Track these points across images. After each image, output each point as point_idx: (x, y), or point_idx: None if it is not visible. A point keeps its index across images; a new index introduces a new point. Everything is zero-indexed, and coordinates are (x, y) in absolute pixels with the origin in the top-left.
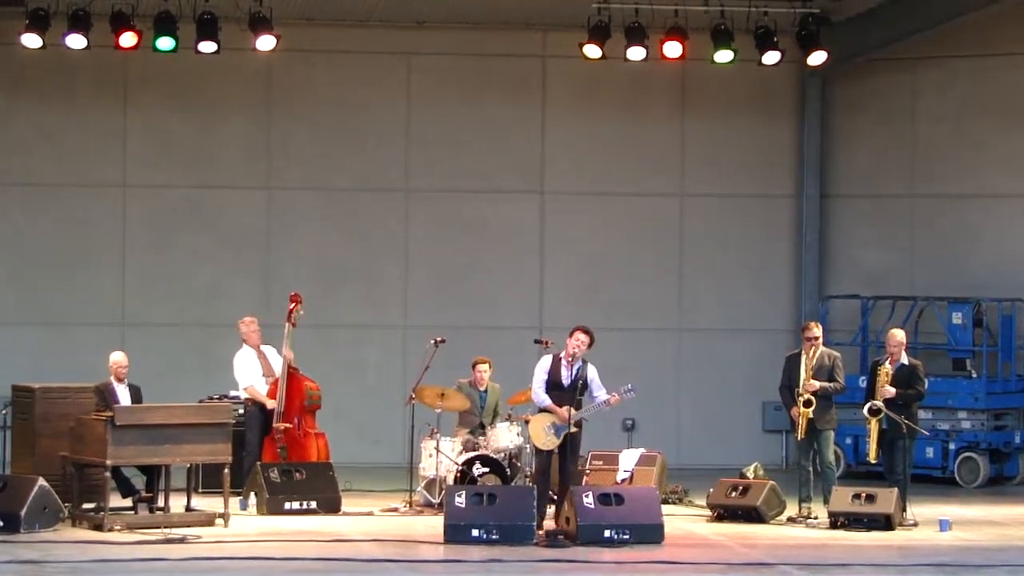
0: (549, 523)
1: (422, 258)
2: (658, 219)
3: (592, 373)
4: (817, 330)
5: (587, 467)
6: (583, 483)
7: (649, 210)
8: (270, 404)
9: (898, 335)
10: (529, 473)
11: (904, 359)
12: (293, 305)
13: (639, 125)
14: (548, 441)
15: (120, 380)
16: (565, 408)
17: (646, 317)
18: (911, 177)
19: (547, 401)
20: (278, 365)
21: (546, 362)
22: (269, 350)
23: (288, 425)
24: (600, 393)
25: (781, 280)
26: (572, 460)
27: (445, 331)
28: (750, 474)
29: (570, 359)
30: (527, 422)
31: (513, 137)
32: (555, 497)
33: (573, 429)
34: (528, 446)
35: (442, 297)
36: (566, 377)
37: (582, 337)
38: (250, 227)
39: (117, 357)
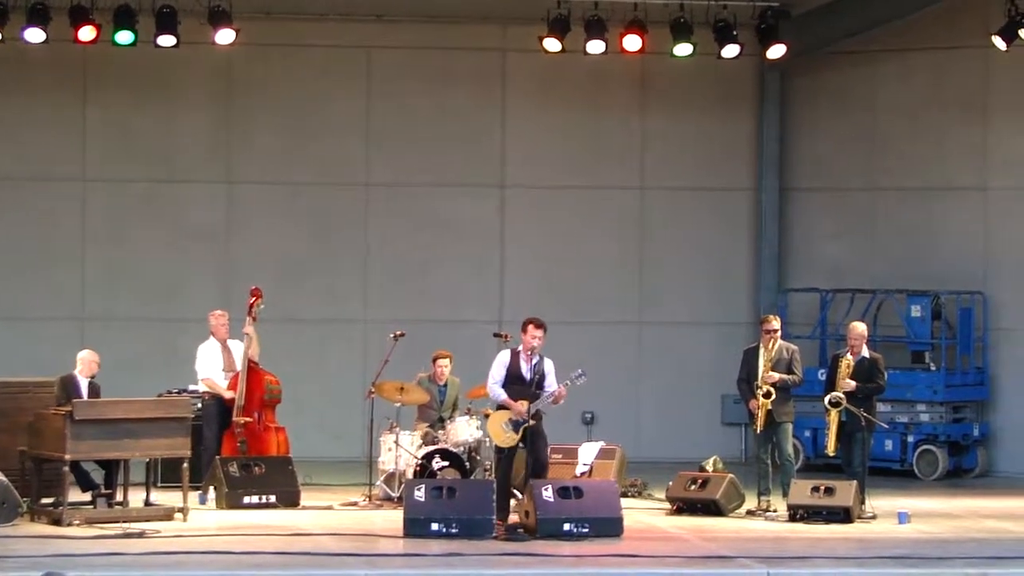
0: (514, 519)
1: (382, 252)
2: (618, 212)
3: (549, 367)
4: (776, 323)
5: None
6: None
7: (609, 203)
8: (227, 394)
9: (859, 328)
10: (489, 467)
11: (865, 352)
12: (254, 299)
13: (599, 118)
14: (507, 438)
15: (89, 376)
16: (520, 402)
17: (606, 310)
18: (870, 170)
19: (503, 396)
20: (240, 359)
21: (505, 357)
22: (235, 345)
23: (248, 419)
24: (551, 388)
25: (740, 273)
26: (539, 450)
27: (405, 325)
28: (709, 467)
29: (529, 353)
30: (487, 416)
31: (473, 131)
32: (518, 494)
33: (532, 423)
34: (488, 440)
35: (402, 291)
36: (526, 371)
37: (537, 332)
38: (210, 221)
39: (90, 355)
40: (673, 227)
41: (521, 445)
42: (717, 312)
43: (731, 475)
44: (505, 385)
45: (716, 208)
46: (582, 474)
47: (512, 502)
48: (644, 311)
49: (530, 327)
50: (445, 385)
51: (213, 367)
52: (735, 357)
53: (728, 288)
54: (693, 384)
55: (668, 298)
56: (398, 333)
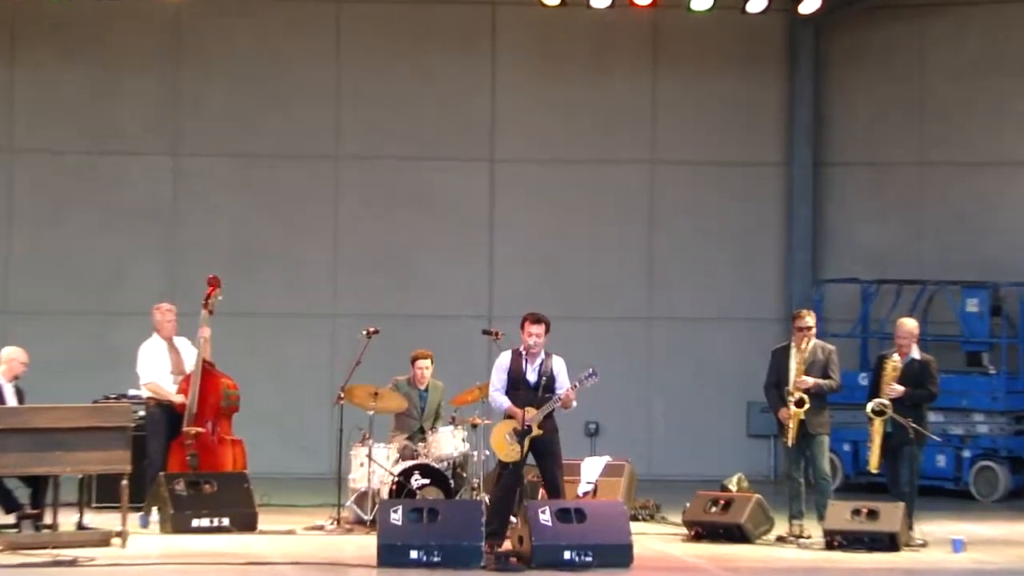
0: (507, 546)
1: (354, 236)
2: (625, 191)
3: (559, 366)
4: (810, 319)
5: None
6: (542, 495)
7: (615, 180)
8: (177, 399)
9: (908, 324)
10: (477, 485)
11: (915, 353)
12: (211, 289)
13: (604, 82)
14: (512, 451)
15: (12, 378)
16: (527, 409)
17: (611, 304)
18: (919, 142)
19: (506, 403)
20: (192, 361)
21: (506, 359)
22: (183, 343)
23: (200, 429)
24: (562, 391)
25: (768, 261)
26: (551, 466)
27: (380, 320)
28: (733, 486)
29: (527, 353)
30: (474, 426)
31: (458, 96)
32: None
33: (537, 431)
34: (474, 454)
35: (377, 281)
36: (531, 373)
37: (536, 328)
38: (155, 199)
39: (14, 352)
40: (689, 208)
41: (535, 460)
42: (741, 306)
43: (758, 495)
44: (509, 391)
45: (739, 186)
46: (585, 494)
47: None
48: (655, 305)
49: (528, 324)
50: (426, 390)
51: (158, 369)
52: (762, 359)
53: (754, 279)
54: (713, 390)
55: (683, 290)
56: (371, 329)
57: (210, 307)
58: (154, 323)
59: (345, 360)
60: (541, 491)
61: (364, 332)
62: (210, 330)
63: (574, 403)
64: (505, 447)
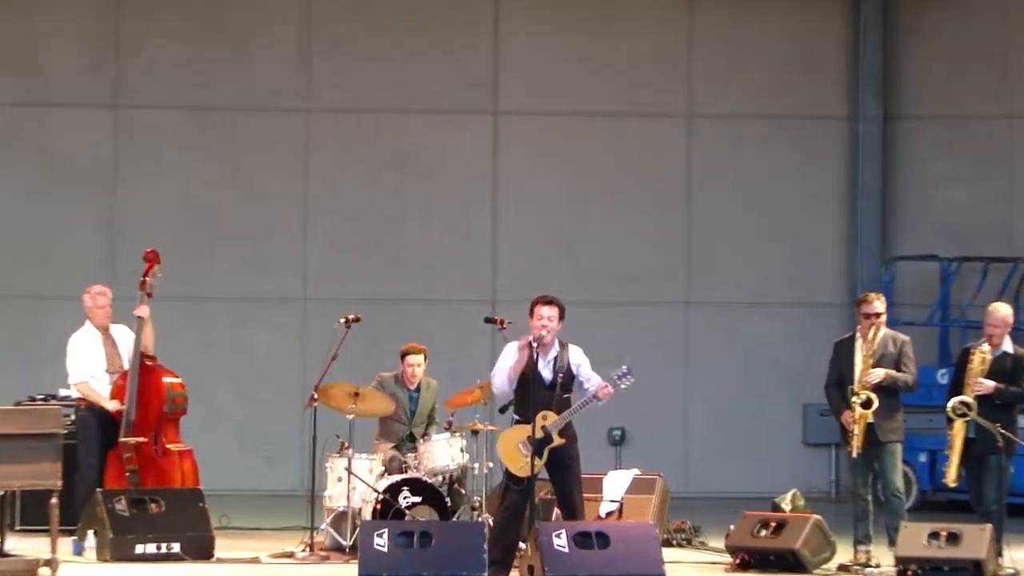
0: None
1: (329, 205)
2: (656, 151)
3: (577, 357)
4: (879, 304)
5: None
6: (557, 516)
7: (643, 138)
8: (111, 406)
9: (1002, 311)
10: (478, 503)
11: (1008, 345)
12: (148, 267)
13: (628, 21)
14: (527, 464)
15: None
16: (541, 415)
17: (639, 287)
18: (1005, 93)
19: (506, 370)
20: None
21: (512, 350)
22: (122, 334)
23: (141, 439)
24: (592, 384)
25: (828, 235)
26: (569, 481)
27: (361, 306)
28: (786, 505)
29: (536, 343)
30: (475, 432)
31: (455, 38)
32: (521, 544)
33: (559, 441)
34: (475, 466)
35: (356, 259)
36: (545, 369)
37: (548, 311)
38: (91, 160)
39: None
40: (732, 171)
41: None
42: (796, 289)
43: (816, 516)
44: (517, 392)
45: (794, 144)
46: (609, 514)
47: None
48: (693, 288)
49: (539, 307)
50: (417, 390)
51: (91, 365)
52: (822, 352)
53: (811, 256)
54: (763, 390)
55: (726, 270)
56: (351, 317)
57: (147, 289)
58: (86, 308)
59: (319, 354)
60: (556, 511)
61: (342, 320)
62: (148, 308)
63: (606, 399)
64: (518, 458)
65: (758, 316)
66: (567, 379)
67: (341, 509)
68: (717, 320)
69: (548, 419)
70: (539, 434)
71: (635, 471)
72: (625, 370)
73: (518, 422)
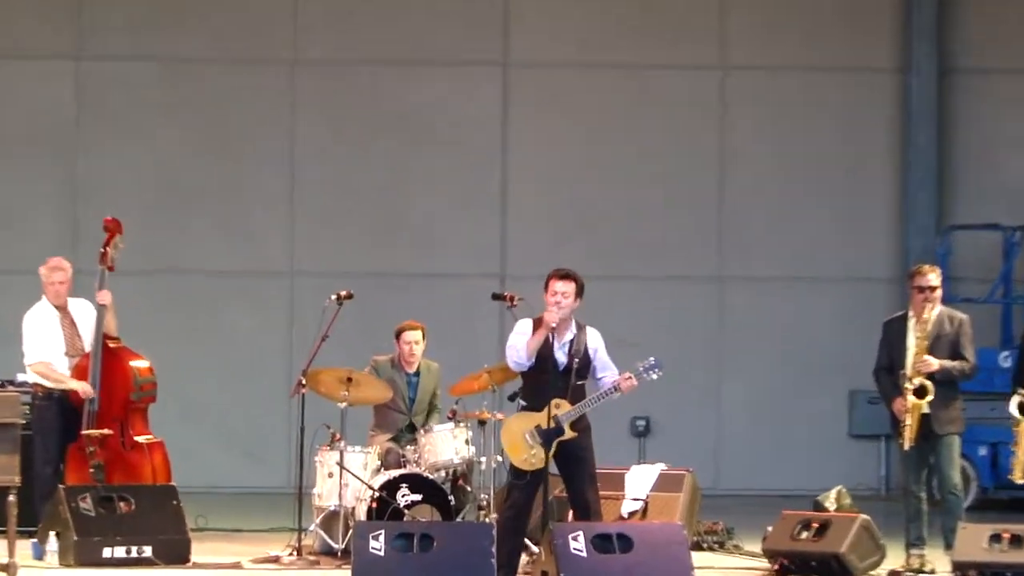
0: None
1: (318, 168)
2: (685, 107)
3: (595, 342)
4: (934, 277)
5: None
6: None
7: (671, 92)
8: (75, 386)
9: None
10: (485, 502)
11: None
12: (108, 237)
13: None
14: (532, 457)
15: None
16: (554, 403)
17: (667, 260)
18: None
19: (524, 346)
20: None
21: (528, 325)
22: (81, 308)
23: (106, 431)
24: (606, 374)
25: (877, 202)
26: (581, 478)
27: (354, 281)
28: (831, 504)
29: (553, 324)
30: (482, 422)
31: None
32: (533, 546)
33: (570, 434)
34: (482, 460)
35: (349, 230)
36: (559, 352)
37: (564, 286)
38: (50, 118)
39: None
40: (770, 129)
41: (559, 470)
42: (842, 263)
43: (864, 516)
44: (525, 375)
45: (838, 101)
46: (632, 514)
47: (524, 557)
48: (726, 260)
49: (554, 281)
50: (417, 374)
51: (49, 347)
52: (870, 332)
53: (858, 226)
54: (805, 375)
55: (763, 241)
56: (343, 294)
57: (108, 262)
58: (42, 284)
59: (308, 334)
60: (571, 511)
61: (333, 297)
62: (111, 294)
63: (627, 391)
64: (522, 450)
65: (799, 293)
66: (583, 365)
67: (332, 508)
68: (753, 297)
69: (561, 408)
70: (549, 424)
71: (661, 466)
72: (653, 362)
73: (525, 409)
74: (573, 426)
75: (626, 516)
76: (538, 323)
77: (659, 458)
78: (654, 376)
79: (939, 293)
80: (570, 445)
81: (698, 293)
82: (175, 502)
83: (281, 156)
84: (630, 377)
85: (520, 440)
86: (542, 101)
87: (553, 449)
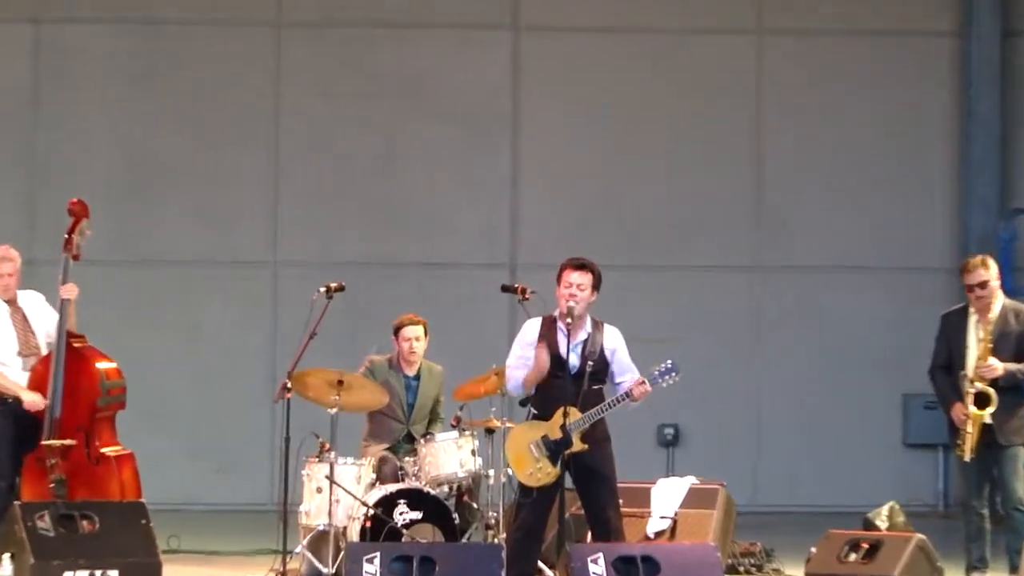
0: None
1: (306, 144)
2: (717, 75)
3: (613, 342)
4: (984, 272)
5: None
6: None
7: (701, 60)
8: (29, 399)
9: None
10: (494, 521)
11: None
12: (73, 222)
13: None
14: (537, 471)
15: None
16: (561, 412)
17: (698, 247)
18: None
19: (523, 371)
20: (50, 328)
21: (532, 330)
22: (32, 302)
23: (69, 442)
24: (626, 378)
25: (933, 181)
26: (600, 494)
27: (345, 272)
28: (882, 522)
29: (567, 321)
30: (490, 431)
31: None
32: (547, 571)
33: (579, 446)
34: (490, 474)
35: (340, 214)
36: (567, 351)
37: (579, 278)
38: (5, 87)
39: None
40: (813, 101)
41: (575, 485)
42: (894, 250)
43: (919, 536)
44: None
45: (889, 69)
46: (658, 533)
47: None
48: (765, 248)
49: (568, 272)
50: (417, 377)
51: (1, 349)
52: (926, 327)
53: (911, 207)
54: (852, 375)
55: (806, 225)
56: (333, 286)
57: (74, 250)
58: None
59: (294, 332)
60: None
61: (322, 290)
62: (76, 288)
63: (642, 398)
64: (527, 463)
65: (846, 283)
66: (599, 367)
67: (321, 528)
68: (794, 288)
69: (571, 417)
70: (557, 434)
71: (692, 479)
72: (669, 365)
73: (535, 417)
74: (584, 437)
75: (652, 536)
76: (549, 324)
77: (689, 471)
78: (670, 381)
79: (994, 286)
80: (585, 458)
81: (731, 284)
82: (145, 521)
83: (264, 131)
84: (643, 381)
85: (525, 452)
86: (557, 69)
87: (563, 462)
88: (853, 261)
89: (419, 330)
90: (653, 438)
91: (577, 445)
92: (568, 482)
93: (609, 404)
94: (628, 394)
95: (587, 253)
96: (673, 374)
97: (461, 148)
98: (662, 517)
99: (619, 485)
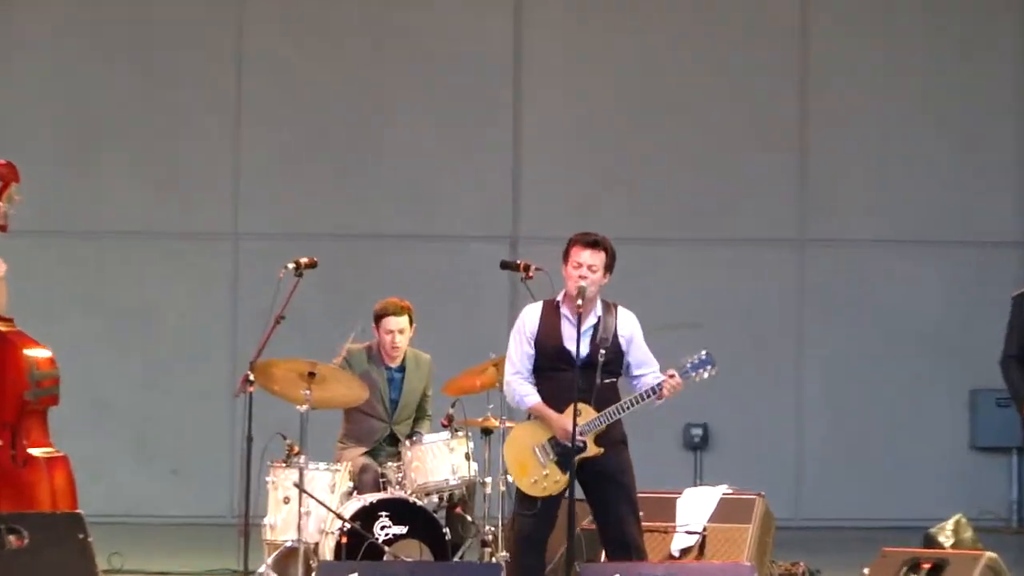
0: None
1: (273, 100)
2: (757, 25)
3: (628, 327)
4: None
5: None
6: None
7: (737, 7)
8: None
9: None
10: (491, 536)
11: None
12: (2, 186)
13: None
14: (544, 479)
15: None
16: (571, 409)
17: (729, 219)
18: None
19: (531, 400)
20: None
21: (533, 316)
22: None
23: None
24: (645, 371)
25: (1000, 145)
26: (618, 505)
27: (318, 245)
28: (946, 538)
29: (577, 304)
30: (488, 432)
31: None
32: None
33: (595, 450)
34: (487, 482)
35: (312, 179)
36: (575, 340)
37: (590, 257)
38: None
39: None
40: (865, 55)
41: (587, 495)
42: (956, 222)
43: (990, 554)
44: (540, 374)
45: (953, 18)
46: (685, 551)
47: None
48: (810, 220)
49: (576, 249)
50: (401, 368)
51: None
52: (996, 312)
53: (977, 175)
54: (912, 367)
55: (855, 194)
56: (304, 261)
57: (1, 219)
58: None
59: (257, 314)
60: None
61: (291, 266)
62: (3, 263)
63: (672, 396)
64: (531, 469)
65: (902, 261)
66: (612, 357)
67: (289, 545)
68: (844, 266)
69: (584, 416)
70: (567, 437)
71: (724, 488)
72: (704, 356)
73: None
74: (598, 440)
75: (677, 554)
76: (550, 309)
77: (721, 478)
78: (704, 375)
79: None
80: (598, 463)
81: (771, 261)
82: (82, 535)
83: (224, 83)
84: (674, 375)
85: (528, 457)
86: (569, 9)
87: (568, 470)
88: (911, 235)
89: (403, 321)
90: (678, 440)
91: (592, 449)
92: (578, 492)
93: (631, 401)
94: (656, 390)
95: (601, 225)
96: (709, 367)
97: (455, 104)
98: (689, 532)
99: (640, 494)
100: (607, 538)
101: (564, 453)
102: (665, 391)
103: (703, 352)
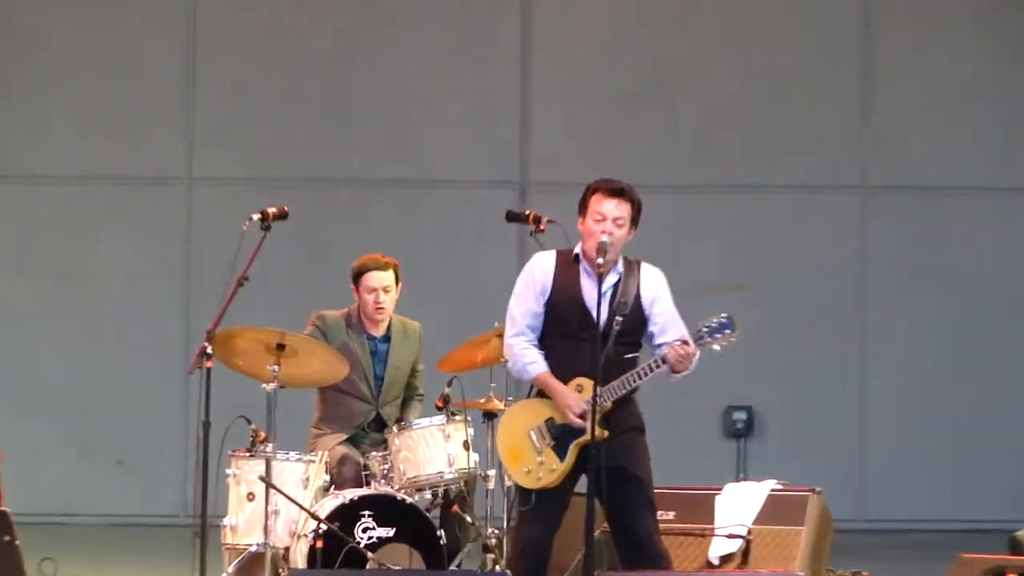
0: None
1: (232, 29)
2: None
3: (653, 288)
4: None
5: None
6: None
7: None
8: None
9: None
10: (493, 538)
11: None
12: None
13: None
14: (539, 468)
15: None
16: (575, 384)
17: (778, 165)
18: None
19: (538, 365)
20: None
21: (545, 266)
22: None
23: None
24: (671, 339)
25: None
26: (634, 503)
27: (289, 192)
28: None
29: (597, 264)
30: (489, 415)
31: None
32: None
33: (601, 433)
34: (489, 475)
35: (280, 114)
36: (594, 301)
37: (613, 208)
38: None
39: None
40: None
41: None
42: None
43: None
44: (548, 339)
45: None
46: (726, 558)
47: None
48: (873, 164)
49: (598, 197)
50: (387, 338)
51: None
52: None
53: None
54: (994, 340)
55: (926, 137)
56: (272, 212)
57: None
58: None
59: (215, 274)
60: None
61: (255, 216)
62: None
63: (691, 366)
64: (525, 457)
65: (979, 210)
66: (632, 325)
67: (253, 549)
68: (914, 219)
69: (585, 391)
70: (564, 418)
71: (772, 484)
72: (724, 319)
73: (541, 393)
74: (607, 421)
75: (717, 562)
76: (564, 261)
77: (768, 472)
78: (723, 343)
79: None
80: (609, 453)
81: (828, 212)
82: (8, 537)
83: (176, 13)
84: (685, 342)
85: (522, 442)
86: None
87: (571, 457)
88: (987, 182)
89: (388, 277)
90: (718, 426)
91: (597, 432)
92: (581, 486)
93: (638, 374)
94: (663, 361)
95: (624, 170)
96: (727, 331)
97: (451, 24)
98: (731, 536)
99: (672, 491)
100: (620, 540)
101: (562, 436)
102: (671, 358)
103: (723, 315)
